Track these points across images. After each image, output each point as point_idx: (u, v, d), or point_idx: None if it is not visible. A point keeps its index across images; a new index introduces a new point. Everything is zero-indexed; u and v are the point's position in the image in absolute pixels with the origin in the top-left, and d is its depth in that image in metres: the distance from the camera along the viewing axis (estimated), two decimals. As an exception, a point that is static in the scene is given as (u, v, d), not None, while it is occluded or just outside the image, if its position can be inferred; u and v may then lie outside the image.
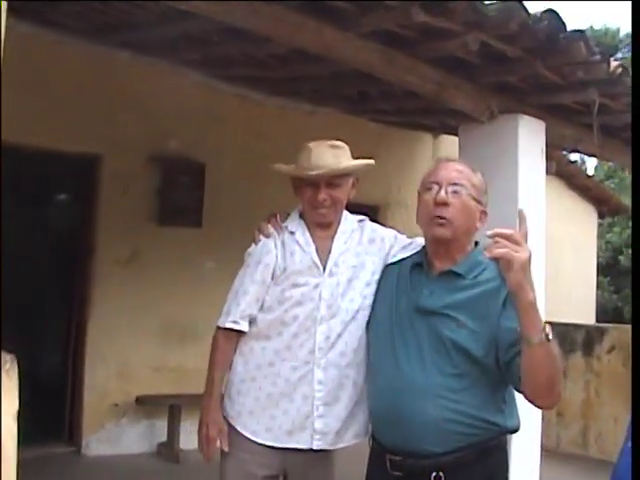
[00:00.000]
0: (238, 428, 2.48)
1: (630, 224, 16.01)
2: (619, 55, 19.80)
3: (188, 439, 5.22)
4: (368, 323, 2.46)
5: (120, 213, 5.98)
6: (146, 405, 6.03)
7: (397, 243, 2.57)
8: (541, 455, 4.52)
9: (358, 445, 2.51)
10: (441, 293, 2.25)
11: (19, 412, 1.52)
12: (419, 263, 2.36)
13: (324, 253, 2.51)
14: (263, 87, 6.24)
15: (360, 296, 2.47)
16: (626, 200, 13.56)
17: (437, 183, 2.26)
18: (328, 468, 2.58)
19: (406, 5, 3.48)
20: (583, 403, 7.06)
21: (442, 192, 2.23)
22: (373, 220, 2.72)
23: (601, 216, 11.59)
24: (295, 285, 2.46)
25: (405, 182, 7.43)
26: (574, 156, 9.88)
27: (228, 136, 6.47)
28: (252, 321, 2.51)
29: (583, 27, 3.86)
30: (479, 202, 2.29)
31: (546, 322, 2.00)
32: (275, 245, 2.52)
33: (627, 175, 18.01)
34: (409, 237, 2.59)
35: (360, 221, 2.64)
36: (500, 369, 2.14)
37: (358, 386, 2.46)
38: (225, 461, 2.51)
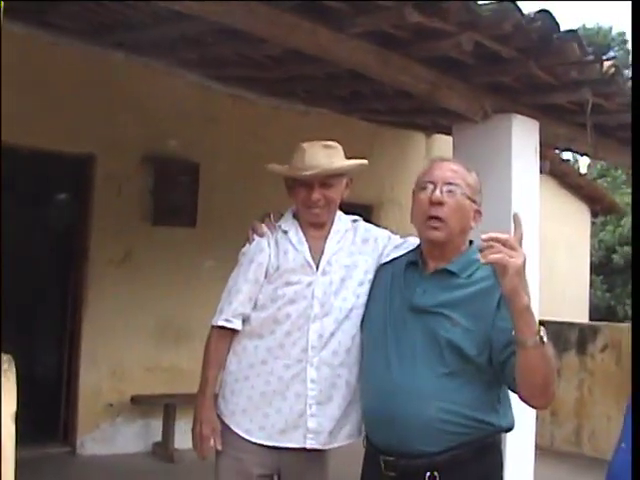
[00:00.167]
0: (232, 427, 2.49)
1: (622, 223, 16.11)
2: (611, 54, 19.86)
3: (183, 439, 5.21)
4: (362, 323, 2.47)
5: (114, 213, 5.98)
6: (141, 405, 6.03)
7: (390, 243, 2.58)
8: (535, 453, 4.54)
9: (352, 446, 2.51)
10: (435, 291, 2.25)
11: (16, 412, 1.53)
12: (413, 262, 2.37)
13: (317, 252, 2.52)
14: (257, 87, 6.24)
15: (353, 295, 2.48)
16: (619, 199, 13.63)
17: (432, 182, 2.26)
18: (322, 468, 2.58)
19: (400, 5, 3.49)
20: (577, 402, 7.09)
21: (437, 192, 2.23)
22: (366, 220, 2.73)
23: (594, 215, 11.63)
24: (288, 283, 2.47)
25: (398, 181, 7.44)
26: (567, 155, 9.89)
27: (222, 136, 6.47)
28: (245, 320, 2.51)
29: (575, 26, 3.88)
30: (473, 201, 2.29)
31: (540, 321, 2.00)
32: (268, 244, 2.52)
33: (620, 174, 18.08)
34: (402, 236, 2.60)
35: (354, 221, 2.65)
36: (494, 369, 2.14)
37: (351, 386, 2.47)
38: (220, 460, 2.52)
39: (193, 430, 2.52)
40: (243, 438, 2.47)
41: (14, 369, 1.54)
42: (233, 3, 3.43)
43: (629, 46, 22.59)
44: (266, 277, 2.50)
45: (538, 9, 3.70)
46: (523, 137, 4.54)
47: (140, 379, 6.07)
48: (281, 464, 2.50)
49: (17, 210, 6.15)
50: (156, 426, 6.10)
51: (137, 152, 6.07)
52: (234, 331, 2.52)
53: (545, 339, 1.97)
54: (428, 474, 2.14)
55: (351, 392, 2.47)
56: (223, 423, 2.51)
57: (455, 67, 4.30)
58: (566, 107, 4.77)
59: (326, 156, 2.49)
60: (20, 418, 1.54)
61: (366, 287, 2.49)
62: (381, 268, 2.51)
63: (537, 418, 4.58)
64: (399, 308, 2.30)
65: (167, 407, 5.98)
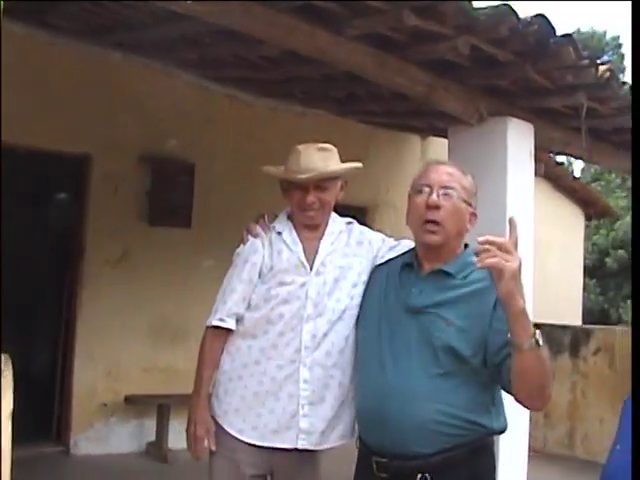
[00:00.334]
0: (225, 427, 2.49)
1: (615, 226, 16.14)
2: (605, 58, 19.91)
3: (177, 439, 5.21)
4: (356, 323, 2.47)
5: (110, 213, 5.98)
6: (135, 405, 6.02)
7: (385, 245, 2.59)
8: (528, 456, 4.55)
9: (345, 447, 2.51)
10: (430, 292, 2.25)
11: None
12: (409, 263, 2.37)
13: (311, 253, 2.53)
14: (254, 88, 6.25)
15: (347, 296, 2.49)
16: (612, 202, 13.67)
17: (428, 186, 2.27)
18: (314, 469, 2.58)
19: (397, 8, 3.50)
20: (569, 404, 7.11)
21: (434, 195, 2.24)
22: (361, 222, 2.74)
23: (588, 218, 11.64)
24: (282, 283, 2.48)
25: (393, 183, 7.46)
26: (561, 158, 9.90)
27: (219, 137, 6.47)
28: (239, 320, 2.52)
29: (570, 30, 3.89)
30: (469, 204, 2.30)
31: (534, 325, 2.01)
32: (263, 244, 2.54)
33: (614, 178, 18.11)
34: (397, 239, 2.61)
35: (348, 223, 2.66)
36: (489, 370, 2.15)
37: (344, 387, 2.47)
38: (213, 460, 2.53)
39: (187, 430, 2.52)
40: (236, 438, 2.47)
41: (11, 369, 1.54)
42: (231, 4, 3.45)
43: (623, 50, 22.68)
44: (260, 277, 2.51)
45: (534, 13, 3.71)
46: (518, 140, 4.56)
47: (135, 379, 6.07)
48: (273, 464, 2.51)
49: (16, 210, 6.14)
50: (150, 426, 6.09)
51: (134, 152, 6.07)
52: (229, 331, 2.52)
53: (541, 342, 1.98)
54: (420, 476, 2.14)
55: (344, 393, 2.47)
56: (217, 423, 2.51)
57: (451, 70, 4.31)
58: (561, 111, 4.79)
59: (321, 159, 2.50)
60: (14, 417, 1.54)
61: (360, 289, 2.50)
62: (376, 269, 2.52)
63: (530, 420, 4.58)
64: (394, 309, 2.30)
65: (161, 407, 5.98)
